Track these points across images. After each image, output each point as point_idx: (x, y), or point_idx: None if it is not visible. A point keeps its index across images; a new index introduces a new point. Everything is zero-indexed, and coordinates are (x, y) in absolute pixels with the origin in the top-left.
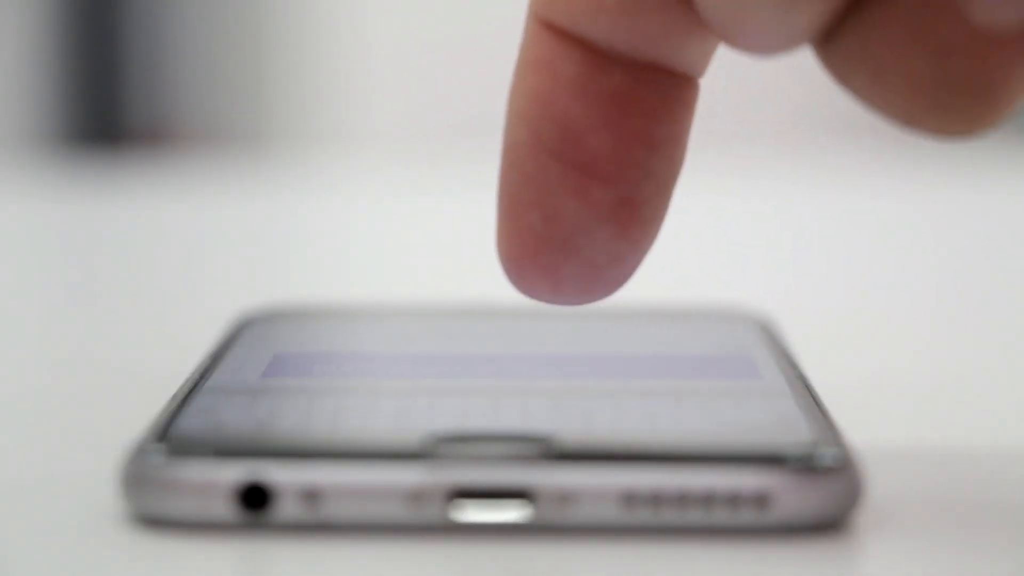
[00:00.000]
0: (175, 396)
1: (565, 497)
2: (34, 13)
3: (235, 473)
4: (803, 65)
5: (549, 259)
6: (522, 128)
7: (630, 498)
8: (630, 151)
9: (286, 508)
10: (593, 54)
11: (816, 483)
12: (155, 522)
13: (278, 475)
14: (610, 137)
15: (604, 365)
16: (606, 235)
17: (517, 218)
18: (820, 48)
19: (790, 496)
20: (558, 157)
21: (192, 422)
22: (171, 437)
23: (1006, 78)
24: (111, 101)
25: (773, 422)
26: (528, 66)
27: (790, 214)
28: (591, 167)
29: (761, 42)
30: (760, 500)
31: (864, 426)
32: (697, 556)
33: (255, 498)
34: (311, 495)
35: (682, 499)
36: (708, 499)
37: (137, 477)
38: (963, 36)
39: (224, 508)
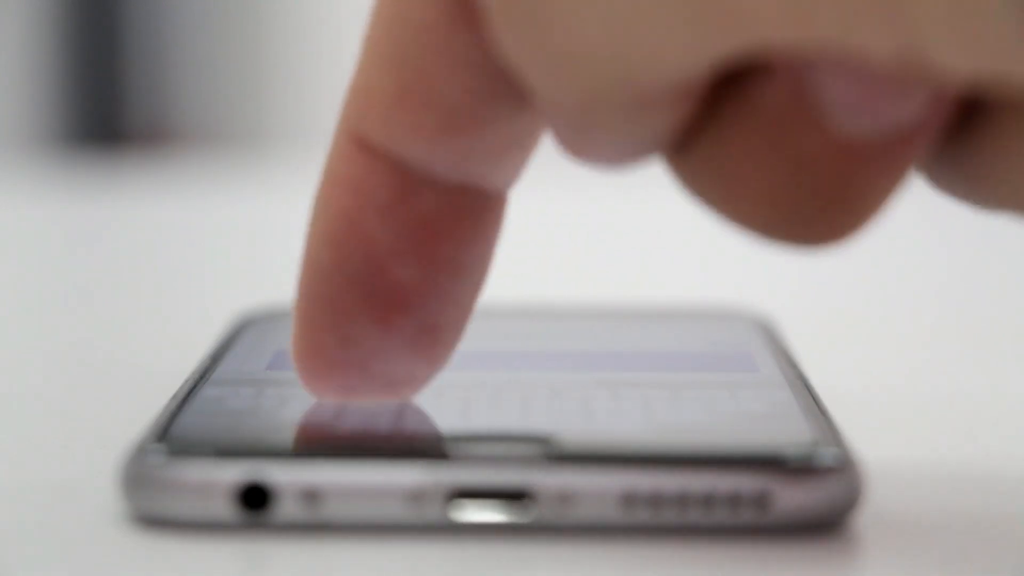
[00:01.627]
0: (175, 396)
1: (565, 497)
2: (34, 13)
3: (235, 473)
4: None
5: (343, 377)
6: (324, 249)
7: (630, 498)
8: (436, 279)
9: (286, 508)
10: (404, 176)
11: (816, 483)
12: (155, 522)
13: (278, 475)
14: (416, 266)
15: (604, 365)
16: (403, 359)
17: (312, 335)
18: (671, 159)
19: (790, 496)
20: (359, 285)
21: (192, 422)
22: (171, 437)
23: (867, 189)
24: (111, 101)
25: (773, 422)
26: (334, 184)
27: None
28: (394, 297)
29: (608, 155)
30: (760, 500)
31: (864, 426)
32: (697, 556)
33: (255, 498)
34: (311, 495)
35: (682, 499)
36: (708, 499)
37: (137, 477)
38: (823, 148)
39: (224, 508)
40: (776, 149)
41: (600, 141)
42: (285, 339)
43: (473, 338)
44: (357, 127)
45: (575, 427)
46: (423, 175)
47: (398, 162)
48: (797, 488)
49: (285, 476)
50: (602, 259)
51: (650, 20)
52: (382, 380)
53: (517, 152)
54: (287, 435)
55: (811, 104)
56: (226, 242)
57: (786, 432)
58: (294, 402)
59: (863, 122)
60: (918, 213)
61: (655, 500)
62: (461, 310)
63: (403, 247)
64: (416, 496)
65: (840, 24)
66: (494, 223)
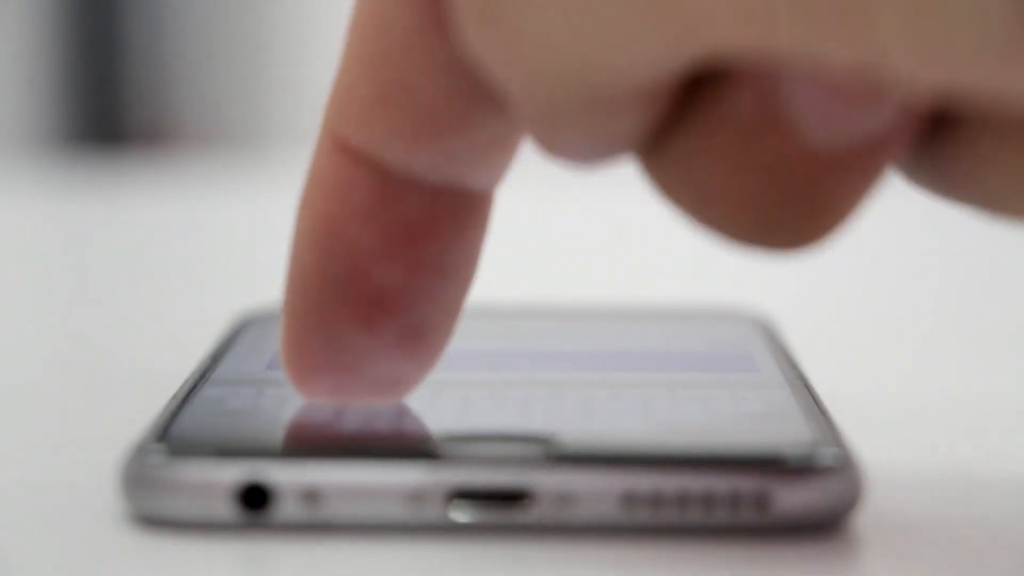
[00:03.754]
0: (175, 396)
1: (565, 497)
2: (34, 13)
3: (235, 473)
4: None
5: (332, 380)
6: (309, 253)
7: (630, 498)
8: (421, 281)
9: (286, 508)
10: (386, 179)
11: (816, 483)
12: (155, 522)
13: (278, 475)
14: (401, 268)
15: (604, 365)
16: (390, 361)
17: (300, 338)
18: (643, 160)
19: (790, 496)
20: (345, 288)
21: (192, 422)
22: (171, 437)
23: (838, 196)
24: (111, 101)
25: (773, 422)
26: (318, 188)
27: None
28: (379, 299)
29: (580, 154)
30: (760, 500)
31: (864, 426)
32: (697, 556)
33: (255, 498)
34: (311, 495)
35: (682, 499)
36: (708, 499)
37: (137, 477)
38: (793, 155)
39: (224, 508)
40: (745, 155)
41: (571, 141)
42: None
43: (472, 338)
44: (338, 130)
45: (575, 427)
46: (405, 177)
47: (379, 165)
48: (797, 488)
49: (285, 476)
50: (602, 259)
51: (611, 24)
52: (371, 381)
53: (499, 152)
54: (287, 435)
55: (780, 112)
56: (226, 242)
57: (786, 432)
58: (294, 402)
59: (833, 131)
60: (917, 213)
61: (655, 500)
62: (448, 311)
63: (386, 250)
64: (416, 496)
65: (800, 33)
66: (479, 223)
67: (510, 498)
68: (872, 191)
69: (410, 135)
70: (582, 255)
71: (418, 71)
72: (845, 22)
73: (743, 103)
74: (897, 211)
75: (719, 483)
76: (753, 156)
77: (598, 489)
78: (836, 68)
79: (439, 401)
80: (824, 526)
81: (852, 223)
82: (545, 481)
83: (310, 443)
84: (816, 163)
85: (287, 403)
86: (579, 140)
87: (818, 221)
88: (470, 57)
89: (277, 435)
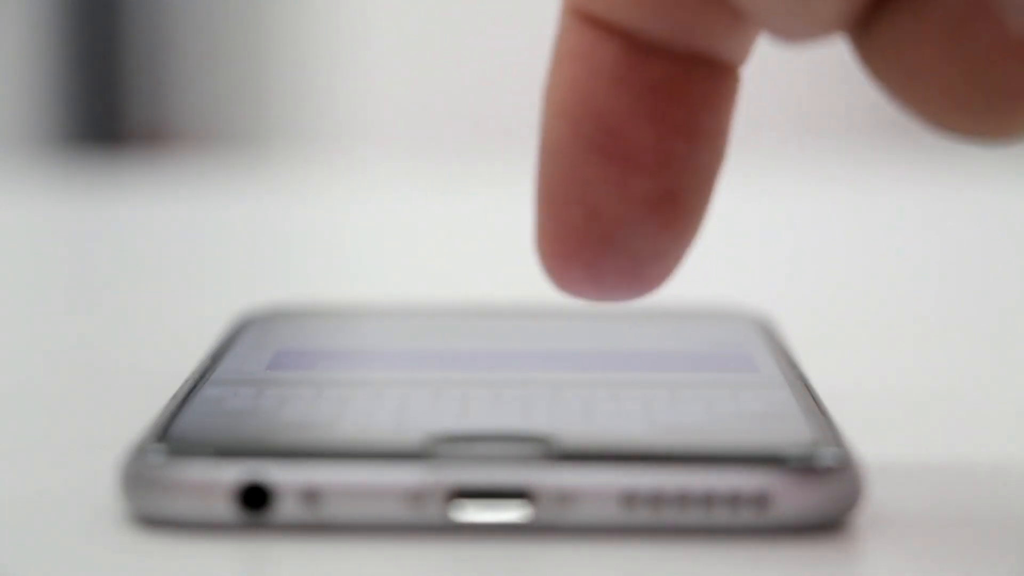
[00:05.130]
0: (175, 396)
1: (565, 497)
2: (34, 13)
3: (235, 473)
4: (804, 66)
5: (591, 255)
6: (560, 122)
7: (630, 498)
8: (672, 143)
9: (286, 508)
10: (631, 44)
11: (816, 483)
12: (155, 522)
13: (278, 475)
14: (651, 129)
15: (604, 365)
16: (648, 230)
17: (557, 214)
18: (854, 38)
19: (790, 496)
20: (598, 150)
21: (192, 422)
22: (171, 437)
23: None
24: (111, 101)
25: (773, 422)
26: (564, 58)
27: (791, 214)
28: (632, 160)
29: (790, 30)
30: (760, 500)
31: (864, 426)
32: (697, 556)
33: (255, 498)
34: (311, 495)
35: (682, 499)
36: (708, 499)
37: (137, 477)
38: (1001, 43)
39: (224, 508)
40: (952, 43)
41: (782, 17)
42: (286, 339)
43: (472, 338)
44: (580, 2)
45: (575, 427)
46: (649, 43)
47: (623, 31)
48: (797, 488)
49: (285, 476)
50: None
51: None
52: (629, 256)
53: (740, 25)
54: (287, 435)
55: (990, 2)
56: (226, 242)
57: (786, 432)
58: (294, 402)
59: None
60: (920, 212)
61: (655, 500)
62: (702, 179)
63: (635, 111)
64: (416, 496)
65: None
66: (727, 95)
67: (510, 498)
68: None
69: (648, 3)
70: None
71: None
72: None
73: None
74: (897, 211)
75: (719, 483)
76: (960, 42)
77: (598, 489)
78: None
79: (439, 401)
80: (824, 526)
81: None
82: (545, 481)
83: (310, 443)
84: (1021, 53)
85: (287, 403)
86: (792, 19)
87: (1021, 112)
88: None
89: (277, 435)
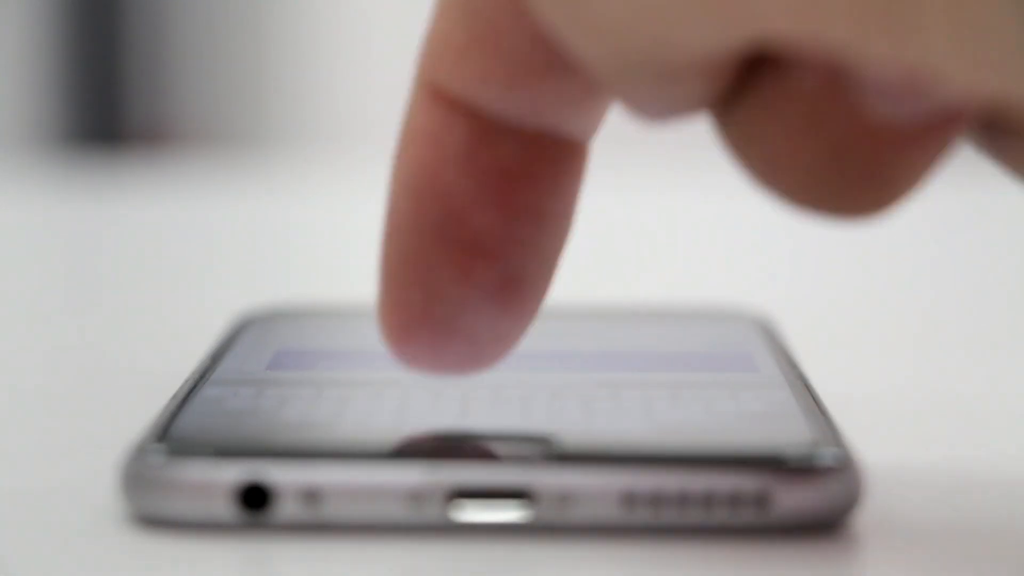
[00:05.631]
0: (175, 396)
1: (565, 497)
2: (34, 13)
3: (235, 473)
4: None
5: (430, 336)
6: (405, 202)
7: (630, 498)
8: (517, 228)
9: (286, 508)
10: (481, 125)
11: (816, 483)
12: (155, 522)
13: (278, 475)
14: (497, 214)
15: (604, 365)
16: (489, 314)
17: (397, 293)
18: (715, 118)
19: (790, 496)
20: (442, 235)
21: (192, 422)
22: (171, 437)
23: (901, 170)
24: (111, 101)
25: (773, 422)
26: (413, 136)
27: (791, 214)
28: (475, 246)
29: (651, 109)
30: (760, 500)
31: (864, 426)
32: (697, 556)
33: (255, 498)
34: (311, 495)
35: (682, 499)
36: (708, 499)
37: (137, 477)
38: (858, 129)
39: (224, 508)
40: (810, 126)
41: (640, 103)
42: (286, 339)
43: None
44: (432, 77)
45: (575, 427)
46: (499, 123)
47: (473, 110)
48: (797, 488)
49: (285, 476)
50: (602, 259)
51: (671, 6)
52: (469, 339)
53: (591, 102)
54: (287, 435)
55: (845, 88)
56: (226, 242)
57: (786, 432)
58: (294, 402)
59: (898, 108)
60: (917, 213)
61: (655, 500)
62: (545, 263)
63: (482, 195)
64: (416, 496)
65: (849, 30)
66: (575, 174)
67: (510, 498)
68: (938, 165)
69: (501, 78)
70: (582, 255)
71: (506, 17)
72: (892, 24)
73: (807, 78)
74: (897, 211)
75: (719, 483)
76: (817, 127)
77: (598, 489)
78: (882, 67)
79: (439, 401)
80: (824, 526)
81: (915, 194)
82: (545, 481)
83: (310, 443)
84: (880, 137)
85: (287, 403)
86: (649, 102)
87: (882, 192)
88: (542, 23)
89: (277, 435)
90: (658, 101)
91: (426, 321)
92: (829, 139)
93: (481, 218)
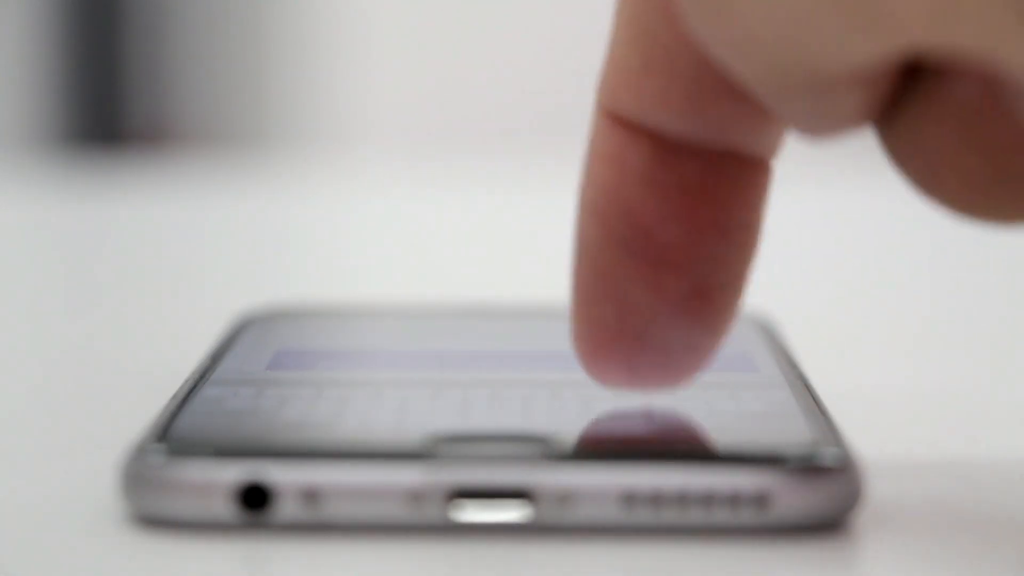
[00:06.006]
0: (175, 396)
1: (565, 497)
2: (34, 13)
3: (235, 473)
4: None
5: (624, 351)
6: (593, 222)
7: (630, 498)
8: (703, 241)
9: (286, 508)
10: (662, 145)
11: (816, 483)
12: (155, 522)
13: (278, 475)
14: (682, 228)
15: None
16: (680, 325)
17: (590, 311)
18: (879, 130)
19: (790, 496)
20: (629, 250)
21: (192, 422)
22: (171, 437)
23: None
24: (111, 101)
25: (773, 422)
26: (597, 159)
27: (791, 214)
28: (663, 259)
29: (815, 127)
30: (760, 500)
31: (864, 426)
32: (697, 556)
33: (255, 498)
34: (311, 495)
35: (682, 499)
36: (708, 499)
37: (137, 477)
38: (1015, 135)
39: (224, 508)
40: (969, 135)
41: (800, 116)
42: (286, 339)
43: (473, 338)
44: (611, 103)
45: (575, 427)
46: (679, 143)
47: (653, 132)
48: (797, 488)
49: (285, 476)
50: None
51: (821, 22)
52: (662, 351)
53: (765, 125)
54: (287, 435)
55: (1001, 94)
56: (226, 242)
57: (786, 432)
58: (294, 402)
59: None
60: (916, 213)
61: (655, 500)
62: (733, 274)
63: (666, 211)
64: (416, 496)
65: (989, 39)
66: (758, 190)
67: (510, 497)
68: None
69: (677, 101)
70: None
71: (678, 40)
72: None
73: (964, 88)
74: (896, 211)
75: (719, 483)
76: (975, 134)
77: (598, 489)
78: (1018, 73)
79: (439, 401)
80: (824, 526)
81: None
82: (545, 481)
83: (310, 443)
84: None
85: (287, 403)
86: (809, 117)
87: None
88: (699, 43)
89: (277, 435)
90: (817, 115)
91: (619, 335)
92: (987, 146)
93: (667, 233)
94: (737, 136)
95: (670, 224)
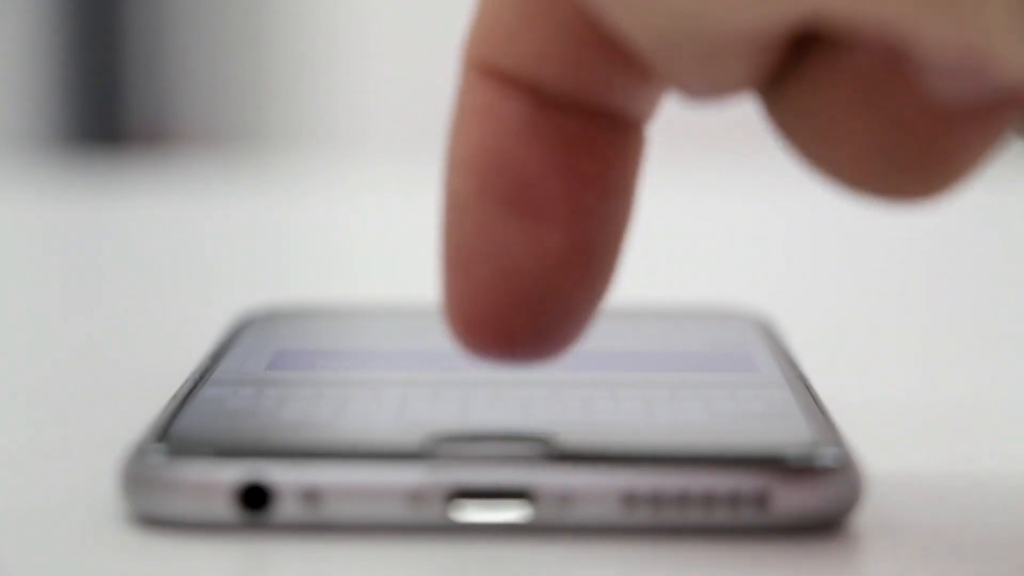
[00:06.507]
0: (175, 395)
1: (565, 497)
2: (34, 13)
3: (235, 473)
4: None
5: (502, 318)
6: (467, 178)
7: (630, 498)
8: (584, 196)
9: (286, 508)
10: (539, 99)
11: (816, 483)
12: (155, 522)
13: (278, 475)
14: (563, 182)
15: (604, 365)
16: (561, 286)
17: (466, 273)
18: (763, 97)
19: (790, 496)
20: (508, 204)
21: (192, 422)
22: (171, 437)
23: (959, 151)
24: (111, 101)
25: (773, 422)
26: (470, 114)
27: (791, 214)
28: (544, 212)
29: (698, 88)
30: (760, 500)
31: (864, 427)
32: (697, 556)
33: (255, 498)
34: (311, 495)
35: (682, 499)
36: (708, 499)
37: (137, 477)
38: (914, 107)
39: (224, 508)
40: (865, 103)
41: (685, 79)
42: (286, 339)
43: None
44: (484, 56)
45: (575, 427)
46: (558, 99)
47: (530, 85)
48: (797, 488)
49: (285, 476)
50: None
51: None
52: (541, 317)
53: (648, 84)
54: (287, 435)
55: (902, 66)
56: (226, 242)
57: (786, 432)
58: (294, 402)
59: (956, 88)
60: (921, 213)
61: (655, 500)
62: (612, 234)
63: (546, 164)
64: (416, 496)
65: (908, 11)
66: (634, 153)
67: (510, 498)
68: (993, 148)
69: (554, 58)
70: None
71: None
72: (952, 5)
73: (863, 55)
74: (897, 212)
75: (719, 483)
76: (872, 104)
77: (598, 489)
78: (941, 48)
79: (439, 401)
80: (824, 526)
81: (970, 179)
82: (545, 481)
83: (310, 443)
84: (936, 116)
85: (287, 403)
86: (694, 80)
87: (936, 173)
88: (587, 1)
89: (277, 435)
90: (704, 79)
91: (498, 298)
92: (884, 116)
93: (548, 187)
94: (615, 95)
95: (551, 178)
